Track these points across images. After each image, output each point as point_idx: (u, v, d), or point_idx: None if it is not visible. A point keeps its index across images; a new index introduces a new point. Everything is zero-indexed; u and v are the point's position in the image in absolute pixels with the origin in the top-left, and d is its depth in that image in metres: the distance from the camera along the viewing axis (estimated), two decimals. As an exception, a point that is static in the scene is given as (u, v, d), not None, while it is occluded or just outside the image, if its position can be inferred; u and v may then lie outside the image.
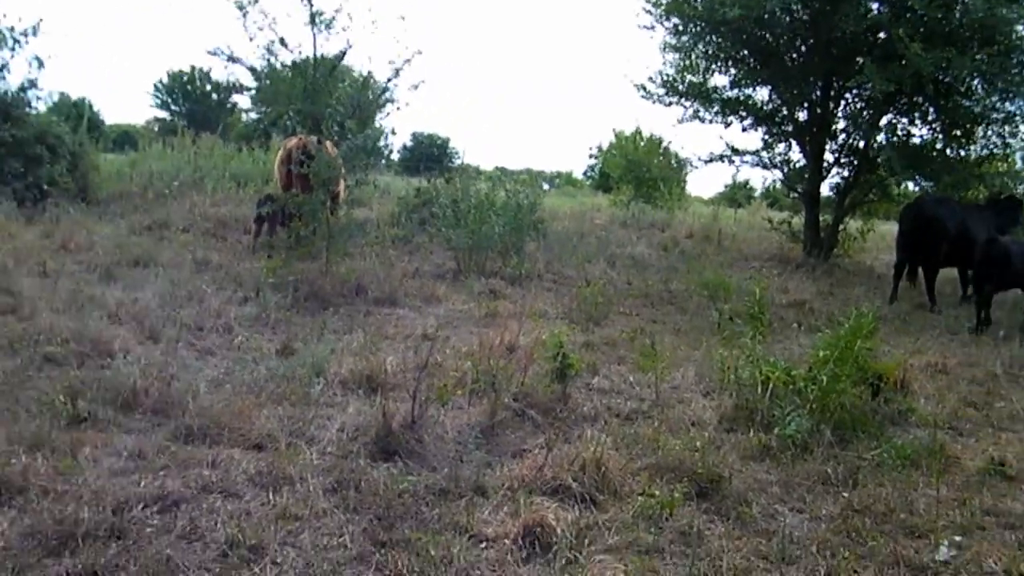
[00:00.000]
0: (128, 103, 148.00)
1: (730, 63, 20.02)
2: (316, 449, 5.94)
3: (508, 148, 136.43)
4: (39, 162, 16.11)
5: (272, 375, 7.35)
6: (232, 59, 12.91)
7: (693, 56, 20.27)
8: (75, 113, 24.29)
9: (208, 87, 54.78)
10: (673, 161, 29.86)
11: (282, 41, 12.79)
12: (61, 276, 10.26)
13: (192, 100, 57.63)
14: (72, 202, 16.11)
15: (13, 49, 16.38)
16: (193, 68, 53.16)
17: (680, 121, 20.71)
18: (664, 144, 31.34)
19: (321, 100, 12.54)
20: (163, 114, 58.20)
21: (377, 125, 15.56)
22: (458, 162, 74.58)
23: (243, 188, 19.86)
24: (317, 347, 8.10)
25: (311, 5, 12.71)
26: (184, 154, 21.79)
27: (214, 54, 12.88)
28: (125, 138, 38.00)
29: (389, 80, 14.06)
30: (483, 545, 4.78)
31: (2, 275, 10.02)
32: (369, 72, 14.76)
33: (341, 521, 4.90)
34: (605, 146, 43.11)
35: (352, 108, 13.21)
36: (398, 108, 14.09)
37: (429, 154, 70.87)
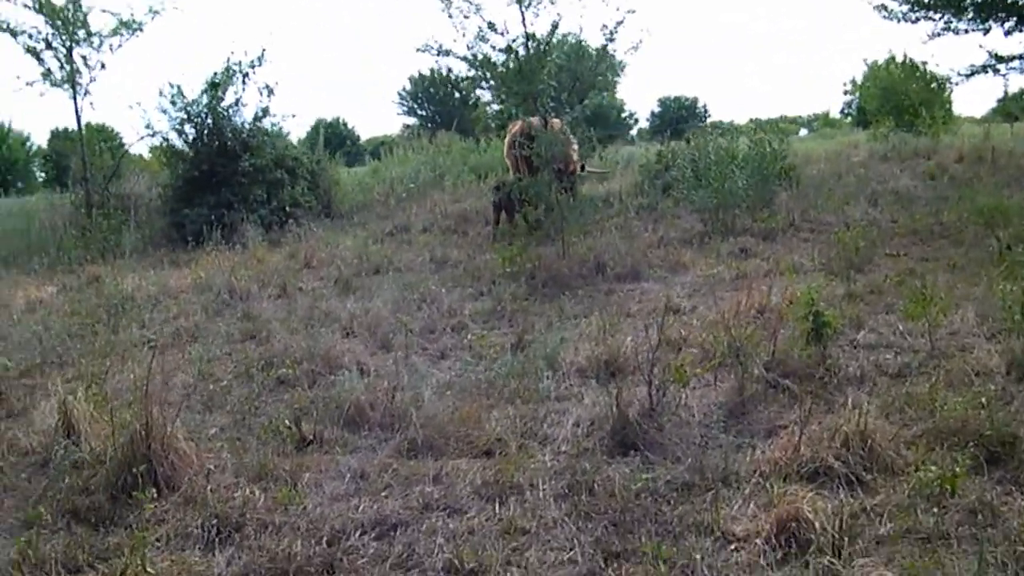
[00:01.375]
0: (382, 115, 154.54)
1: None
2: (549, 450, 5.49)
3: (760, 99, 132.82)
4: (280, 185, 16.58)
5: (504, 372, 6.91)
6: (442, 52, 12.68)
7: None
8: (327, 133, 25.07)
9: (449, 87, 55.74)
10: (932, 82, 27.51)
11: (491, 25, 12.44)
12: (300, 295, 10.32)
13: (436, 102, 58.84)
14: (316, 219, 16.46)
15: (244, 83, 16.88)
16: (432, 71, 54.20)
17: (931, 36, 18.94)
18: (921, 65, 28.88)
19: (536, 78, 12.06)
20: (411, 120, 59.79)
21: (608, 96, 15.09)
22: (708, 120, 73.67)
23: (484, 180, 19.78)
24: (552, 336, 7.63)
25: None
26: (423, 155, 21.98)
27: (424, 50, 12.69)
28: (381, 149, 39.12)
29: (604, 47, 13.50)
30: (731, 547, 4.16)
31: (244, 301, 10.15)
32: (580, 41, 14.19)
33: (571, 532, 4.41)
34: (859, 79, 40.46)
35: (571, 81, 12.74)
36: (622, 72, 13.54)
37: (678, 117, 70.07)
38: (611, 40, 13.20)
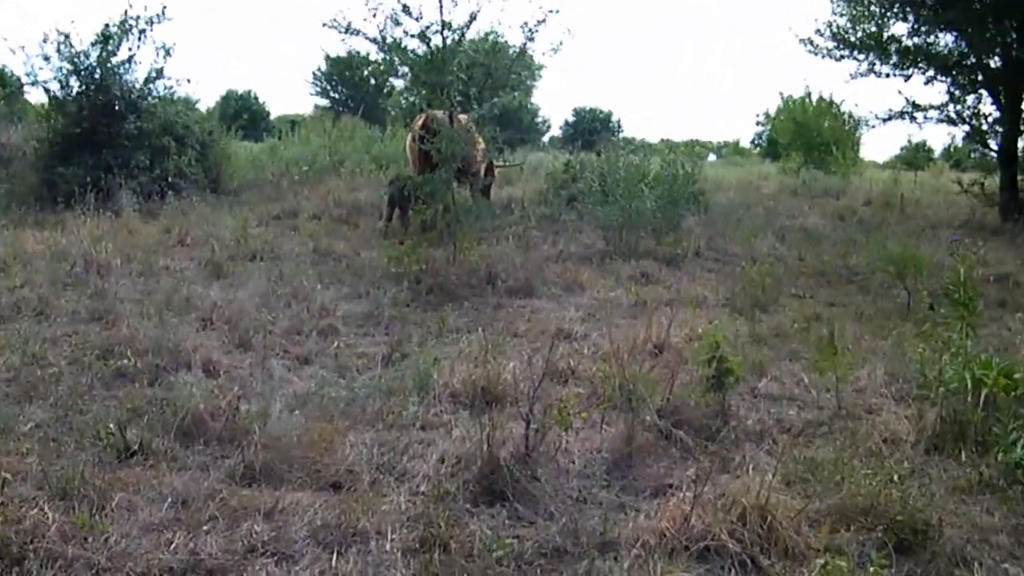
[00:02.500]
0: (296, 94, 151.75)
1: (908, 7, 17.83)
2: (406, 489, 4.77)
3: (673, 119, 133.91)
4: (165, 153, 15.55)
5: (369, 389, 6.18)
6: (350, 31, 11.87)
7: (867, 2, 18.23)
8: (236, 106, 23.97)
9: (367, 72, 54.43)
10: (846, 122, 27.52)
11: (405, 8, 11.69)
12: (165, 274, 9.45)
13: (350, 86, 57.37)
14: (201, 193, 15.46)
15: (140, 39, 15.80)
16: (350, 53, 52.76)
17: (853, 77, 18.79)
18: (836, 104, 28.90)
19: (446, 69, 11.35)
20: (324, 101, 58.19)
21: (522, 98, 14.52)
22: (620, 135, 73.63)
23: (384, 171, 18.92)
24: (428, 352, 6.93)
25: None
26: (324, 139, 21.07)
27: (332, 27, 11.86)
28: (293, 128, 37.98)
29: (524, 45, 12.89)
30: (602, 641, 3.50)
31: (102, 277, 9.23)
32: (498, 37, 13.54)
33: (416, 600, 3.70)
34: (773, 111, 40.59)
35: (483, 77, 12.08)
36: (539, 75, 12.98)
37: (591, 128, 69.85)
38: (531, 39, 12.59)
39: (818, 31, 18.68)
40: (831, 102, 29.19)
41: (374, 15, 11.59)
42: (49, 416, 5.62)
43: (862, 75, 18.87)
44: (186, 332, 7.14)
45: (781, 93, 38.10)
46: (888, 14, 18.14)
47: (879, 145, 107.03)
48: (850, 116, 26.60)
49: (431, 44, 11.82)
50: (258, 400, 5.73)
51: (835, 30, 18.47)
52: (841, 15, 18.50)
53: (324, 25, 11.87)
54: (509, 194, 17.03)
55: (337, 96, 58.38)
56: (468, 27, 12.24)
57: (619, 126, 73.61)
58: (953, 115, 18.63)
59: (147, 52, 17.11)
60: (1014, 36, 16.82)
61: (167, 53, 16.07)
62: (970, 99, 18.49)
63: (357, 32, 11.87)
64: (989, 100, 18.20)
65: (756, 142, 61.89)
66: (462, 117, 15.14)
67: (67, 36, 15.37)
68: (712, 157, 66.33)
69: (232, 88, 56.46)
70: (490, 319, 8.46)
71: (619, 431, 5.44)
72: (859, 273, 11.43)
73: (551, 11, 12.28)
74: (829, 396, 6.33)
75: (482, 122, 11.97)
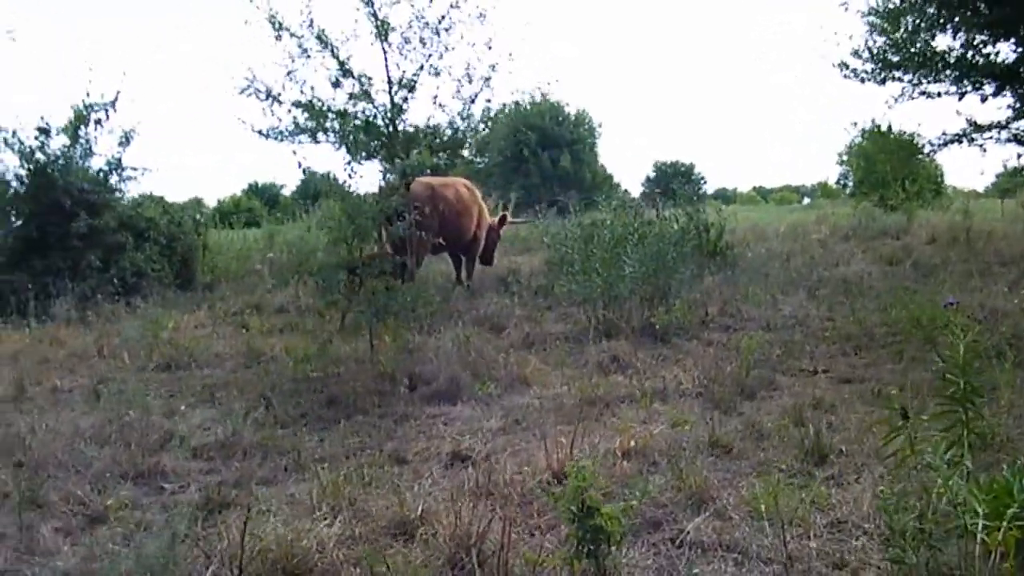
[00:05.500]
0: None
1: (957, 17, 15.48)
2: None
3: (764, 165, 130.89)
4: (121, 250, 14.05)
5: (148, 563, 4.35)
6: (271, 96, 10.32)
7: (909, 17, 15.99)
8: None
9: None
10: (906, 152, 24.78)
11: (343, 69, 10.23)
12: (26, 402, 7.87)
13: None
14: (165, 291, 13.99)
15: (96, 126, 14.47)
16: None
17: (896, 100, 16.59)
18: (895, 134, 26.07)
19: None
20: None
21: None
22: (704, 187, 71.69)
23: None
24: (268, 496, 5.15)
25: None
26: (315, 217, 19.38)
27: (247, 92, 10.32)
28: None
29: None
30: None
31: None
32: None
33: None
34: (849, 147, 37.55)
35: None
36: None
37: (674, 183, 68.17)
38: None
39: (855, 52, 16.56)
40: (887, 132, 26.33)
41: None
42: None
43: (911, 98, 16.67)
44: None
45: (852, 126, 35.39)
46: (931, 24, 15.77)
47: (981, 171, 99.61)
48: (910, 142, 23.67)
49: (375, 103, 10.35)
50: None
51: (874, 51, 16.31)
52: (879, 33, 16.28)
53: (241, 92, 10.32)
54: (513, 264, 15.26)
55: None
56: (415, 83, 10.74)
57: (702, 178, 72.12)
58: (1021, 133, 16.32)
59: (110, 141, 15.20)
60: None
61: (127, 141, 14.71)
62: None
63: (277, 98, 10.31)
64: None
65: (842, 182, 59.11)
66: (460, 181, 13.61)
67: (15, 132, 14.09)
68: (806, 200, 63.82)
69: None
70: (379, 440, 6.58)
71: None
72: (897, 333, 9.31)
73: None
74: (782, 547, 4.32)
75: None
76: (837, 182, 58.87)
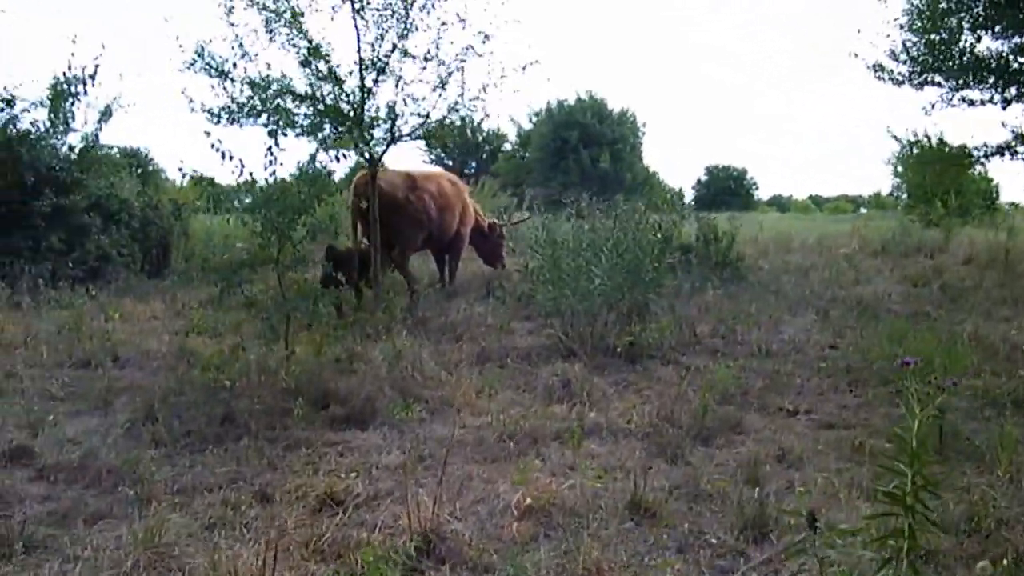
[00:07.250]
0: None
1: (1006, 19, 14.18)
2: None
3: (823, 174, 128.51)
4: (86, 232, 13.21)
5: None
6: (221, 73, 9.41)
7: (953, 18, 14.73)
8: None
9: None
10: (951, 163, 23.23)
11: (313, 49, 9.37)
12: None
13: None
14: (133, 277, 13.17)
15: (73, 102, 13.66)
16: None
17: (932, 105, 15.35)
18: (936, 145, 24.44)
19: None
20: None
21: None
22: (756, 193, 70.21)
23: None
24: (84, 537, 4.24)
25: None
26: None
27: (194, 68, 9.41)
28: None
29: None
30: None
31: None
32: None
33: None
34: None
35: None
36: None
37: (725, 187, 67.12)
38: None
39: (891, 53, 15.33)
40: (927, 143, 24.66)
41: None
42: None
43: (952, 104, 15.42)
44: None
45: (898, 136, 33.64)
46: (975, 25, 14.46)
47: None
48: (955, 153, 22.11)
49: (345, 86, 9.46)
50: None
51: (913, 53, 15.05)
52: (916, 33, 15.00)
53: (187, 67, 9.39)
54: (512, 266, 14.29)
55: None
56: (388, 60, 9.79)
57: (754, 183, 70.96)
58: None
59: (90, 115, 14.29)
60: None
61: (106, 117, 13.89)
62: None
63: (227, 75, 9.37)
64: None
65: (895, 193, 57.15)
66: (444, 175, 12.79)
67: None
68: (862, 211, 61.88)
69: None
70: (264, 467, 5.60)
71: None
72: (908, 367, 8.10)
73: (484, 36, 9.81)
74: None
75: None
76: (890, 193, 57.08)
